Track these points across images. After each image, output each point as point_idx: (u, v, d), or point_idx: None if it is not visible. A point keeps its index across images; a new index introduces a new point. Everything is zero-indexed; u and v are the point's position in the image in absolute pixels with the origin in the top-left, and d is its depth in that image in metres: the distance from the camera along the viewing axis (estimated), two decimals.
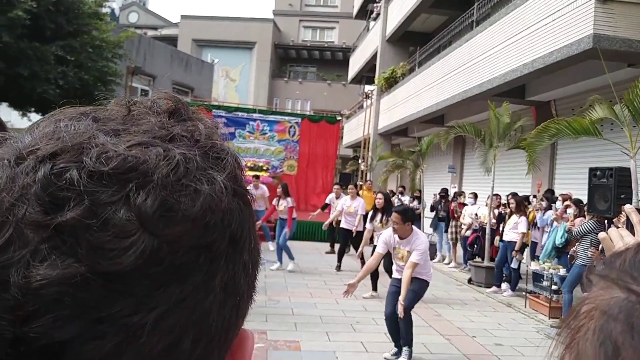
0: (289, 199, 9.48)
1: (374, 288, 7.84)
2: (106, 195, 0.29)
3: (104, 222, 0.28)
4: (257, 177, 12.15)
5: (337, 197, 11.42)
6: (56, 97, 10.63)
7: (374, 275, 7.66)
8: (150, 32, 33.29)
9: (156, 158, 0.31)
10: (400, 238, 5.11)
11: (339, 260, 9.79)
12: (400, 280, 5.07)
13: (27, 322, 0.27)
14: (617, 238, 1.00)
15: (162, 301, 0.29)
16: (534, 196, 9.80)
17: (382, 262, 7.55)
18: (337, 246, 11.38)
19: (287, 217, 9.42)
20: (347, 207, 9.76)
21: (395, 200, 12.75)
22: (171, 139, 0.34)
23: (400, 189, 15.02)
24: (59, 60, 10.35)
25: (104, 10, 13.58)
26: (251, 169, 15.99)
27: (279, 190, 9.62)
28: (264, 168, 15.78)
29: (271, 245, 11.34)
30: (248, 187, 0.37)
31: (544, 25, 8.42)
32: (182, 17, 34.98)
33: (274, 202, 9.67)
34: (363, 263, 9.61)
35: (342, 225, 9.94)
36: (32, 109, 12.92)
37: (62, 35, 10.77)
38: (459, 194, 11.97)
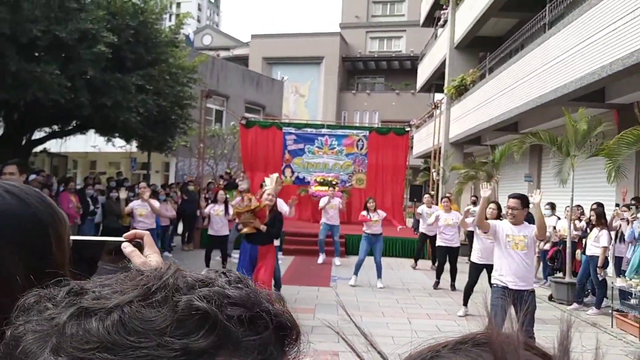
0: (379, 211, 9.45)
1: (465, 303, 7.56)
2: None
3: None
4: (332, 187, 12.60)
5: (429, 207, 11.33)
6: (137, 124, 11.31)
7: (466, 292, 7.56)
8: (223, 53, 34.69)
9: None
10: (515, 224, 5.30)
11: (438, 277, 9.55)
12: (504, 289, 5.20)
13: None
14: None
15: None
16: (617, 205, 9.17)
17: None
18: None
19: (379, 232, 9.36)
20: (445, 220, 9.46)
21: (470, 210, 12.39)
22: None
23: (474, 198, 14.55)
24: (138, 89, 10.98)
25: (179, 37, 14.32)
26: (320, 183, 16.18)
27: (370, 203, 9.44)
28: (333, 182, 15.88)
29: (337, 261, 11.42)
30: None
31: (622, 25, 7.93)
32: (253, 36, 36.19)
33: (363, 213, 9.33)
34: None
35: (441, 242, 9.57)
36: (116, 135, 13.83)
37: (141, 65, 11.45)
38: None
